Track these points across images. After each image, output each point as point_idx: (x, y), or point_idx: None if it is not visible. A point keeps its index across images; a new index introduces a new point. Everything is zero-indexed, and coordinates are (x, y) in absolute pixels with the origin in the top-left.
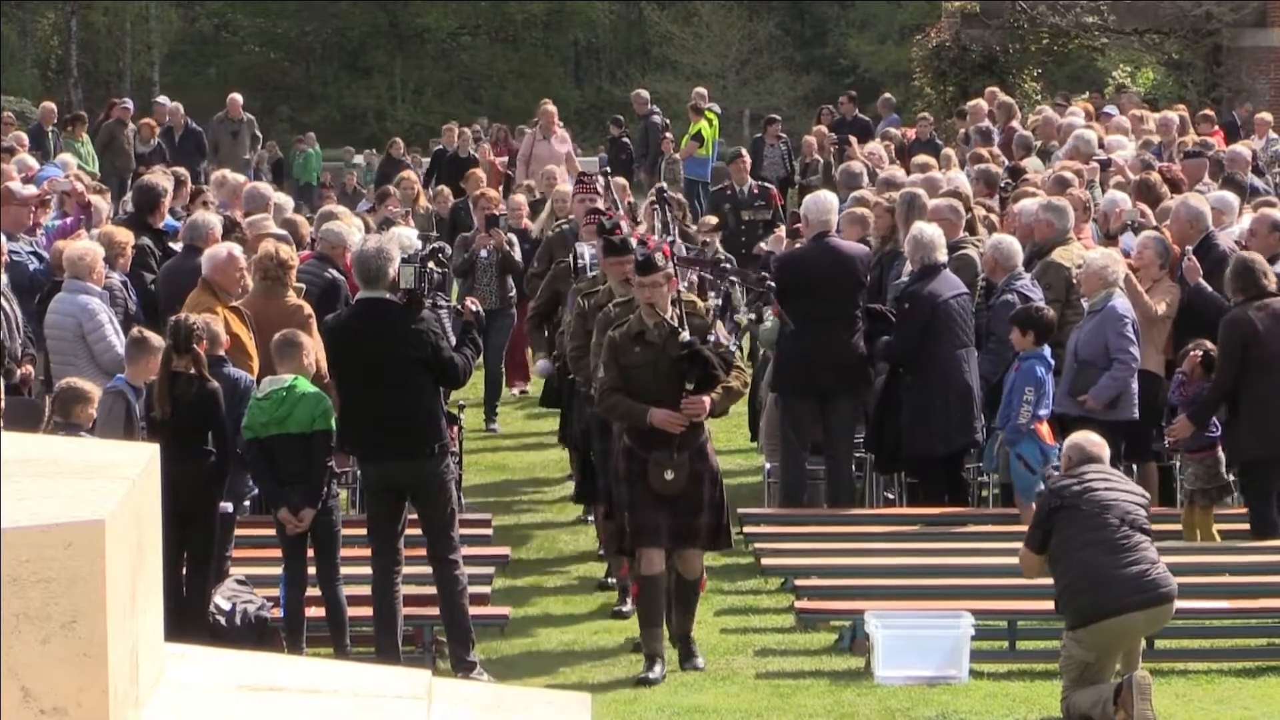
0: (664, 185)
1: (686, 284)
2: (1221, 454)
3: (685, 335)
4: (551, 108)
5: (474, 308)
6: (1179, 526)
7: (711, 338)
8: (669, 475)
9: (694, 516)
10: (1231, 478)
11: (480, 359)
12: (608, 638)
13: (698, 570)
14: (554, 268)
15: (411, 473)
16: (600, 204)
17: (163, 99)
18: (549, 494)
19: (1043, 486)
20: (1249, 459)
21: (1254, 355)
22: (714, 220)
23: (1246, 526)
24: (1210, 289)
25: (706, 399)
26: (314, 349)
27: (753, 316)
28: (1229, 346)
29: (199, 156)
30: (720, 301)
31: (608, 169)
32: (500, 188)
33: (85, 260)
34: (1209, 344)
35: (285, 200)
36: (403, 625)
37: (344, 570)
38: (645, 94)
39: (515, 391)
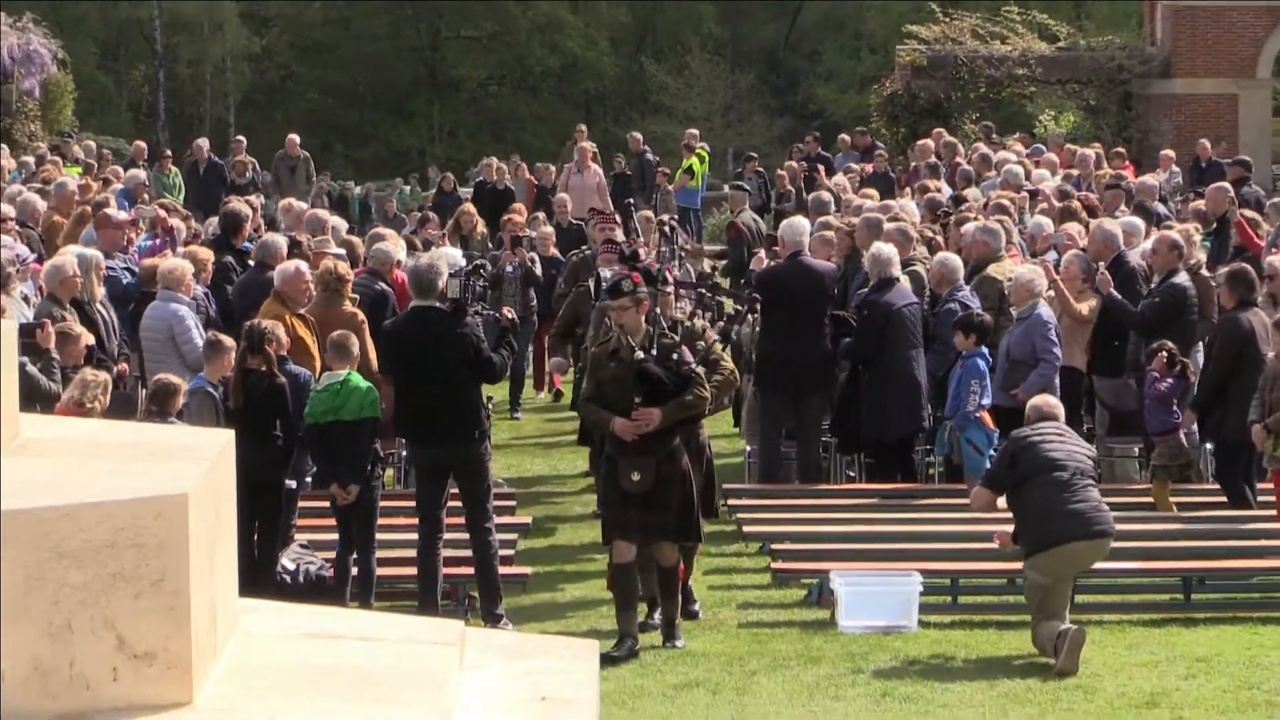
0: (672, 217)
1: (690, 305)
2: (1183, 437)
3: (639, 354)
4: (585, 144)
5: (510, 316)
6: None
7: (675, 356)
8: (635, 476)
9: (662, 513)
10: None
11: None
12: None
13: (671, 560)
14: (575, 290)
15: (456, 454)
16: (618, 234)
17: (240, 138)
18: (565, 477)
19: (987, 466)
20: (1234, 439)
21: (1248, 353)
22: (704, 248)
23: (1203, 499)
24: (1120, 297)
25: (656, 411)
26: (365, 348)
27: (737, 327)
28: (1228, 344)
29: (220, 187)
30: (712, 315)
31: (631, 201)
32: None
33: (176, 274)
34: (1170, 344)
35: (341, 223)
36: (442, 584)
37: (392, 537)
38: (639, 136)
39: (540, 395)
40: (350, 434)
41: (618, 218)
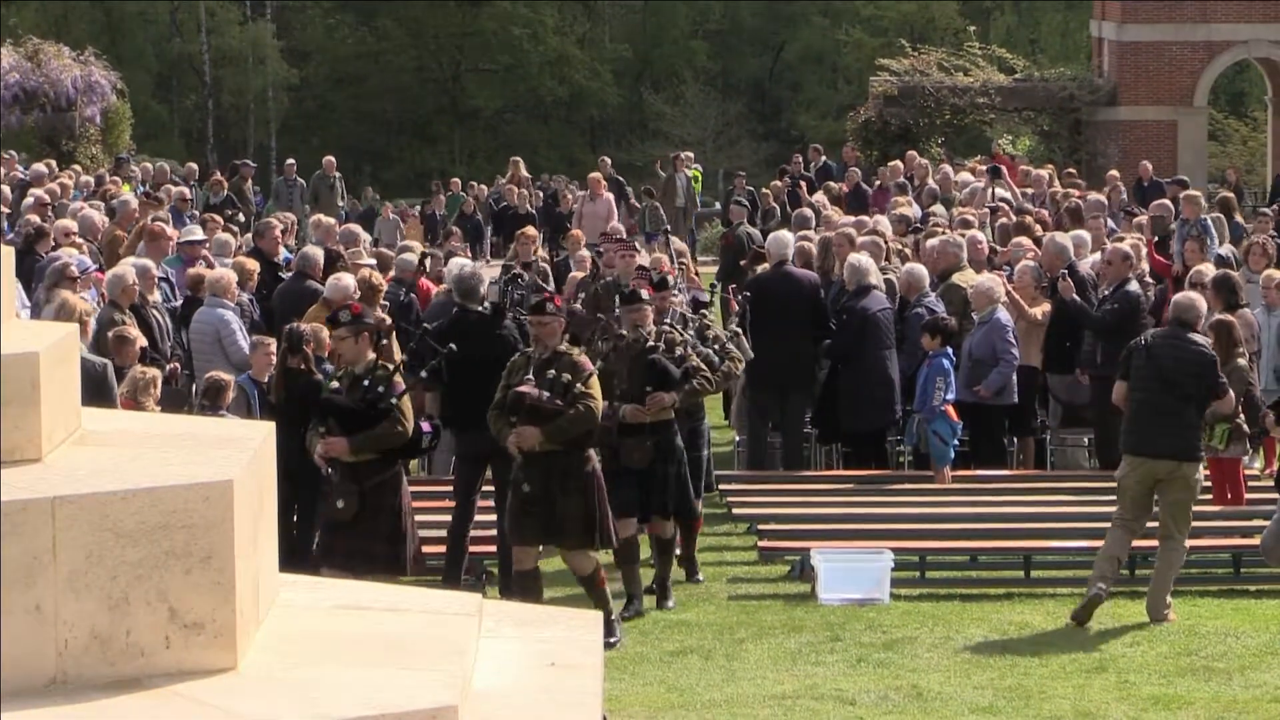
0: (665, 229)
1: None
2: None
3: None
4: (596, 174)
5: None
6: (1049, 484)
7: (382, 390)
8: (339, 504)
9: (369, 542)
10: None
11: None
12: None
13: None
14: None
15: (494, 442)
16: (640, 258)
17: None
18: None
19: (952, 455)
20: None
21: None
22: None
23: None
24: (1082, 303)
25: (341, 441)
26: (390, 351)
27: (734, 330)
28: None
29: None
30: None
31: (668, 227)
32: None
33: (222, 282)
34: None
35: (367, 237)
36: (466, 561)
37: (422, 518)
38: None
39: None
40: None
41: (637, 244)
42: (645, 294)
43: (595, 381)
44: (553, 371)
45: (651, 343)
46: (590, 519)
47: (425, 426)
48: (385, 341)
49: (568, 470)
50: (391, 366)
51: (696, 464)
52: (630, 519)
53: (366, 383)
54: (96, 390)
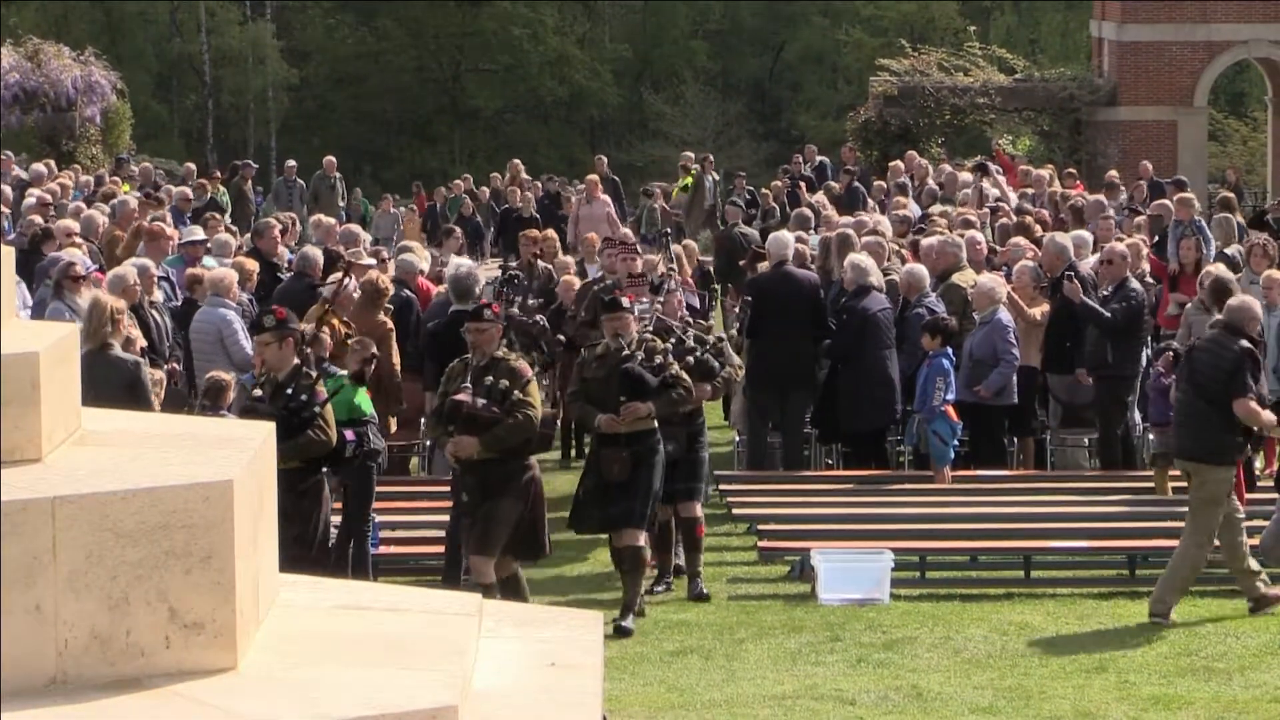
0: (664, 231)
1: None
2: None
3: (256, 392)
4: (594, 176)
5: (542, 321)
6: (1049, 484)
7: (306, 398)
8: None
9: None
10: None
11: None
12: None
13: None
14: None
15: None
16: (638, 265)
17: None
18: (575, 469)
19: (952, 455)
20: None
21: None
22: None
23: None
24: (1092, 304)
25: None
26: (389, 352)
27: (733, 333)
28: None
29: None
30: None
31: (669, 230)
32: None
33: (224, 282)
34: (1176, 345)
35: (367, 237)
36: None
37: (416, 518)
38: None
39: None
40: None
41: (639, 248)
42: (626, 301)
43: (534, 388)
44: (490, 378)
45: (628, 351)
46: (527, 529)
47: (349, 435)
48: (309, 349)
49: (506, 478)
50: (314, 374)
51: (695, 465)
52: (622, 528)
53: (290, 390)
54: (129, 388)
